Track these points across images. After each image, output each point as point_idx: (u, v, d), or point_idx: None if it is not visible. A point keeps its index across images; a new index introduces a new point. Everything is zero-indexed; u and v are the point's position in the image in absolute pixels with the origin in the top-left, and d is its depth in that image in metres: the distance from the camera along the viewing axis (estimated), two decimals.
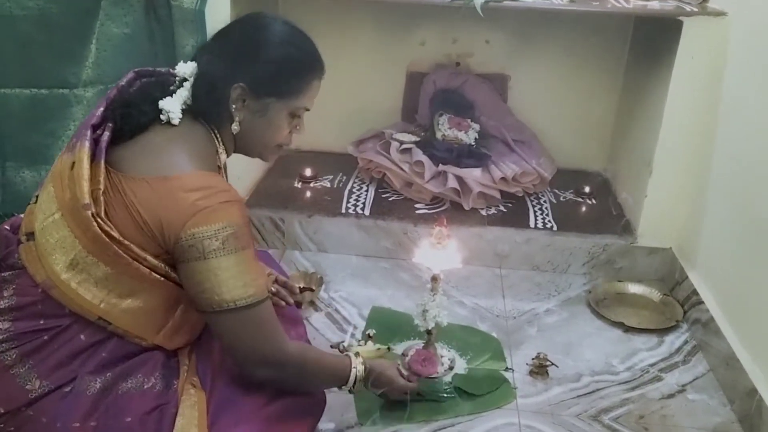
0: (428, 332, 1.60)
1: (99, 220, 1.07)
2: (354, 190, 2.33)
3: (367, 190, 2.33)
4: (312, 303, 1.90)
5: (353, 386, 1.33)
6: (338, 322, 1.84)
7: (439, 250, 1.54)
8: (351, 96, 2.52)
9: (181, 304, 1.21)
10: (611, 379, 1.65)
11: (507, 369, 1.67)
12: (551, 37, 2.41)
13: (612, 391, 1.61)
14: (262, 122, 1.22)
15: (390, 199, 2.28)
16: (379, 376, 1.39)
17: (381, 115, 2.52)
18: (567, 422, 1.51)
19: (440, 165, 2.22)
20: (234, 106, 1.19)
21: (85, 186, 1.08)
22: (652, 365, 1.71)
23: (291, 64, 1.20)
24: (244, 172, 2.24)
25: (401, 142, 2.29)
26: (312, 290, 1.92)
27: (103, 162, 1.11)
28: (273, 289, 1.46)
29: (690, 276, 1.92)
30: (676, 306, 1.92)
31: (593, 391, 1.61)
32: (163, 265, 1.13)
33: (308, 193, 2.32)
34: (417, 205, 2.23)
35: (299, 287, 1.92)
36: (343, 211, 2.19)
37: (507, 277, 2.08)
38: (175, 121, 1.18)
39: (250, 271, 1.13)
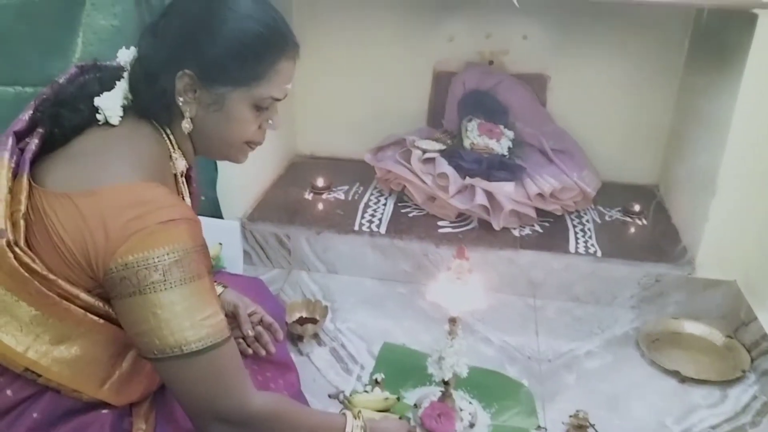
0: (445, 383, 1.35)
1: (16, 249, 0.87)
2: (370, 203, 2.09)
3: (384, 204, 2.08)
4: (315, 336, 1.67)
5: None
6: (343, 360, 1.60)
7: (459, 287, 1.29)
8: (371, 97, 2.32)
9: (132, 350, 1.00)
10: None
11: (539, 428, 1.40)
12: (598, 33, 2.15)
13: None
14: (219, 117, 0.98)
15: (410, 215, 2.03)
16: None
17: (404, 119, 2.29)
18: None
19: (467, 177, 1.97)
20: (181, 99, 0.96)
21: (1, 208, 0.88)
22: (713, 427, 1.42)
23: (248, 42, 0.95)
24: (249, 181, 2.04)
25: (424, 151, 2.04)
26: (315, 321, 1.69)
27: (26, 176, 0.91)
28: (251, 333, 1.23)
29: (759, 316, 1.63)
30: (742, 352, 1.63)
31: None
32: (101, 303, 0.93)
33: (319, 206, 2.09)
34: (440, 223, 1.98)
35: (301, 317, 1.70)
36: (357, 227, 1.95)
37: (541, 310, 1.81)
38: (114, 121, 0.97)
39: (203, 308, 0.90)
